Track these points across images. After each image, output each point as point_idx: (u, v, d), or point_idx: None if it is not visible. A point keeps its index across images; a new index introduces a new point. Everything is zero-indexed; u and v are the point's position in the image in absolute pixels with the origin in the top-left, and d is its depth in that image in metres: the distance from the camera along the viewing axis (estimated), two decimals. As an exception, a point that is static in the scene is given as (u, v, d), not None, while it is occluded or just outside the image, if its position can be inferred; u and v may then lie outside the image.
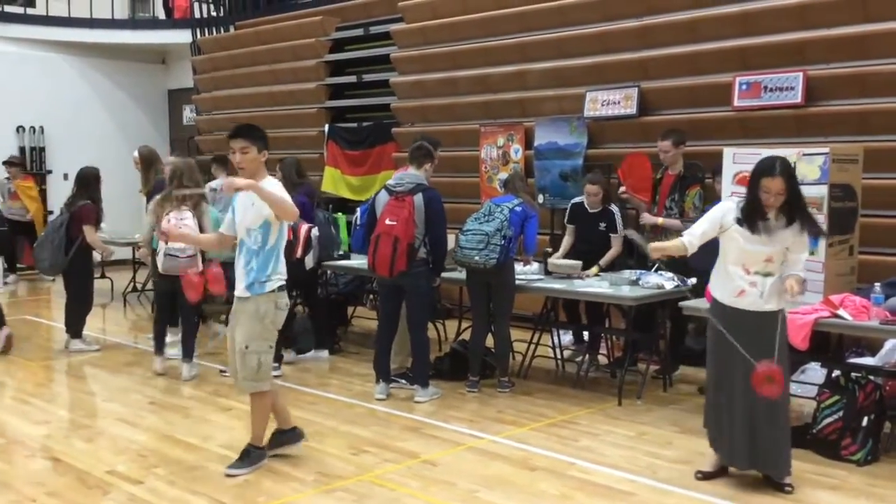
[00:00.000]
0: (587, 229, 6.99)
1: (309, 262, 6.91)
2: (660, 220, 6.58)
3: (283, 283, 4.67)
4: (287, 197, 4.54)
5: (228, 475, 4.65)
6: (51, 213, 12.70)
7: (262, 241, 4.57)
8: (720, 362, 4.48)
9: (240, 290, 4.63)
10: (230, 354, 4.80)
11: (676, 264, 5.75)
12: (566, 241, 7.15)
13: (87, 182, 7.83)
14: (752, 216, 4.29)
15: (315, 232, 7.01)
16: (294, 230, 6.65)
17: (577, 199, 7.16)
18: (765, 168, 4.27)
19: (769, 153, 5.69)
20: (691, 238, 4.48)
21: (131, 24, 14.85)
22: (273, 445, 4.92)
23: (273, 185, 4.60)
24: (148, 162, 8.08)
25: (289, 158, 7.57)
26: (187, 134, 14.52)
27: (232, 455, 4.98)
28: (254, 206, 4.53)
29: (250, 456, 4.76)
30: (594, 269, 6.67)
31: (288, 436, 4.97)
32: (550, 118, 8.67)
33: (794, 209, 4.28)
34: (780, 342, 4.27)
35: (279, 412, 4.95)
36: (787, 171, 4.24)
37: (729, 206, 4.45)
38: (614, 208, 6.99)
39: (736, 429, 4.42)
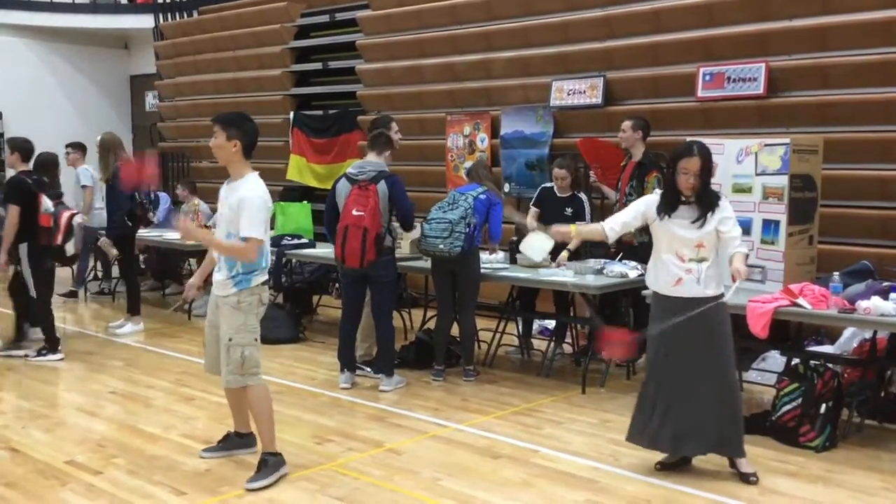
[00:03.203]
0: (554, 214, 6.97)
1: (70, 248, 6.99)
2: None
3: (267, 277, 4.45)
4: (251, 231, 4.21)
5: (248, 489, 4.30)
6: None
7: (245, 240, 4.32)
8: (662, 352, 4.49)
9: (222, 284, 4.37)
10: (209, 347, 4.60)
11: (639, 252, 5.80)
12: (531, 223, 7.08)
13: (46, 168, 7.71)
14: (669, 200, 4.38)
15: (78, 219, 7.09)
16: (55, 217, 6.81)
17: (547, 184, 7.17)
18: (683, 151, 4.37)
19: (732, 143, 5.80)
20: (612, 226, 4.58)
21: (92, 8, 14.61)
22: (231, 447, 4.76)
23: (254, 182, 4.33)
24: (105, 148, 7.95)
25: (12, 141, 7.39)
26: (149, 121, 14.36)
27: (194, 445, 4.95)
28: (230, 209, 4.30)
29: (268, 464, 4.42)
30: (564, 255, 6.65)
31: (246, 440, 4.77)
32: (516, 107, 8.68)
33: (703, 190, 4.35)
34: (722, 328, 4.37)
35: (243, 412, 4.72)
36: (704, 151, 4.34)
37: (653, 198, 4.53)
38: (583, 196, 7.00)
39: (682, 413, 4.44)
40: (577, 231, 4.79)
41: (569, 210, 6.89)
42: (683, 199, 4.36)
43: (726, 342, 4.40)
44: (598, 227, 4.66)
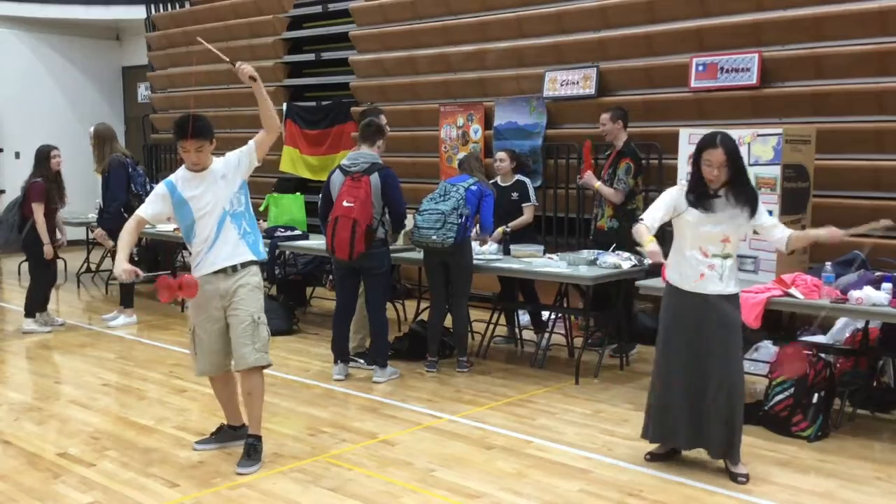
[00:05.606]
0: (504, 202, 7.13)
1: None
2: (596, 184, 6.69)
3: None
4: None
5: (241, 474, 4.38)
6: (2, 192, 12.46)
7: (245, 200, 4.49)
8: (670, 346, 4.48)
9: (238, 258, 4.43)
10: (213, 343, 4.51)
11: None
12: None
13: (40, 160, 7.73)
14: (698, 193, 4.29)
15: None
16: None
17: (492, 179, 7.28)
18: (706, 141, 4.26)
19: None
20: (652, 222, 4.41)
21: (84, -1, 14.53)
22: (224, 440, 4.79)
23: (218, 163, 4.50)
24: (101, 139, 7.93)
25: None
26: (142, 112, 14.29)
27: (187, 437, 4.95)
28: (224, 178, 4.40)
29: (257, 450, 4.51)
30: (499, 231, 6.84)
31: (239, 433, 4.74)
32: (510, 98, 8.66)
33: (738, 184, 4.26)
34: (733, 331, 4.33)
35: (234, 405, 4.79)
36: (727, 143, 4.22)
37: (679, 190, 4.42)
38: (525, 179, 7.25)
39: (683, 410, 4.42)
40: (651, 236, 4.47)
41: (514, 195, 7.16)
42: (712, 192, 4.25)
43: (735, 345, 4.34)
44: (642, 228, 4.42)
